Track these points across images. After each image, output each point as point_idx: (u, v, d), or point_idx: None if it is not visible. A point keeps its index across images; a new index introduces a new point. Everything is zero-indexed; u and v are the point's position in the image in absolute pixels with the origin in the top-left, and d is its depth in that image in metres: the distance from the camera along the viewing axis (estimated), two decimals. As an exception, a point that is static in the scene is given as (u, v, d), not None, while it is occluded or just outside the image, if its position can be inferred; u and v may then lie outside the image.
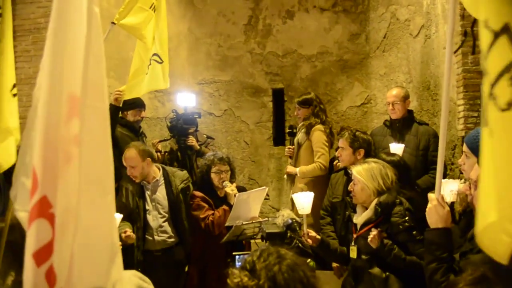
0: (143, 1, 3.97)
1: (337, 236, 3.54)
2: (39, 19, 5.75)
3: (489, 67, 1.26)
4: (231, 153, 5.92)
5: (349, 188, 2.95)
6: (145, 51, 4.25)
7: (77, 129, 1.40)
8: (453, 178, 3.49)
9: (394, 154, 3.46)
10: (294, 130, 4.62)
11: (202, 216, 3.69)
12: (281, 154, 5.95)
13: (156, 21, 4.15)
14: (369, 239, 2.75)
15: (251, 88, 6.19)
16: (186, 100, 4.89)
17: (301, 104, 4.51)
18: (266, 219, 3.55)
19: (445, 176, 3.75)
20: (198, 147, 4.62)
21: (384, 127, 4.31)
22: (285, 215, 3.14)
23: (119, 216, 2.90)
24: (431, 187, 2.66)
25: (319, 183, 4.24)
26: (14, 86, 3.35)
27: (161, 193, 3.75)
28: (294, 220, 3.09)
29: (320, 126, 4.36)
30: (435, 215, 2.02)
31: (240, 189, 3.90)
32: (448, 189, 2.70)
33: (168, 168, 3.94)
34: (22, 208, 1.67)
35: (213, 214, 3.70)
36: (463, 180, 2.66)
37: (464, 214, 2.69)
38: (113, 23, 3.92)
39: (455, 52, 3.89)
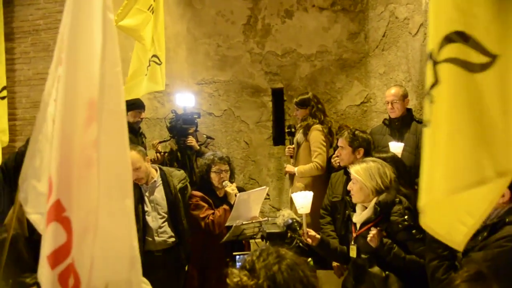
0: (141, 3, 3.97)
1: (337, 235, 3.54)
2: (38, 21, 5.76)
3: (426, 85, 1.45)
4: (231, 153, 5.93)
5: (348, 187, 2.95)
6: (143, 52, 4.25)
7: (95, 133, 1.44)
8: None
9: (386, 151, 3.48)
10: (293, 130, 4.62)
11: (202, 215, 3.69)
12: (281, 154, 5.95)
13: (155, 23, 4.15)
14: (368, 239, 2.75)
15: (250, 88, 6.19)
16: (185, 101, 4.89)
17: (298, 105, 4.51)
18: (266, 218, 3.55)
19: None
20: (198, 147, 4.62)
21: (383, 126, 4.31)
22: (286, 215, 3.14)
23: None
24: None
25: (317, 183, 4.24)
26: (3, 88, 3.38)
27: (160, 194, 3.75)
28: (294, 220, 3.09)
29: (318, 126, 4.37)
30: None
31: (240, 189, 3.90)
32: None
33: (165, 168, 3.94)
34: (34, 210, 1.71)
35: (213, 213, 3.70)
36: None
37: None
38: (111, 24, 3.91)
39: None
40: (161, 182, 3.78)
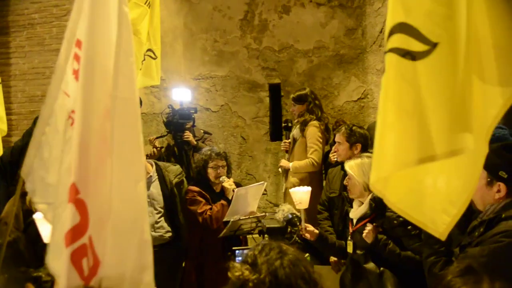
0: (138, -3, 3.95)
1: (334, 230, 3.55)
2: (33, 15, 5.72)
3: None
4: (228, 148, 5.92)
5: (344, 182, 2.96)
6: (138, 47, 4.22)
7: (111, 121, 1.54)
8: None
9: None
10: (290, 124, 4.62)
11: (199, 210, 3.68)
12: (278, 149, 5.94)
13: (151, 17, 4.13)
14: (363, 234, 2.76)
15: (247, 83, 6.18)
16: (182, 96, 4.88)
17: (295, 100, 4.51)
18: (264, 214, 3.55)
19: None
20: (195, 143, 4.61)
21: (380, 122, 4.30)
22: (286, 210, 3.14)
23: None
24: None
25: (312, 179, 4.24)
26: None
27: (156, 189, 3.74)
28: (294, 215, 3.09)
29: (315, 122, 4.36)
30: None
31: (237, 184, 3.89)
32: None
33: (160, 163, 3.92)
34: (42, 200, 1.78)
35: (210, 208, 3.69)
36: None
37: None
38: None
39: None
40: (156, 177, 3.76)
